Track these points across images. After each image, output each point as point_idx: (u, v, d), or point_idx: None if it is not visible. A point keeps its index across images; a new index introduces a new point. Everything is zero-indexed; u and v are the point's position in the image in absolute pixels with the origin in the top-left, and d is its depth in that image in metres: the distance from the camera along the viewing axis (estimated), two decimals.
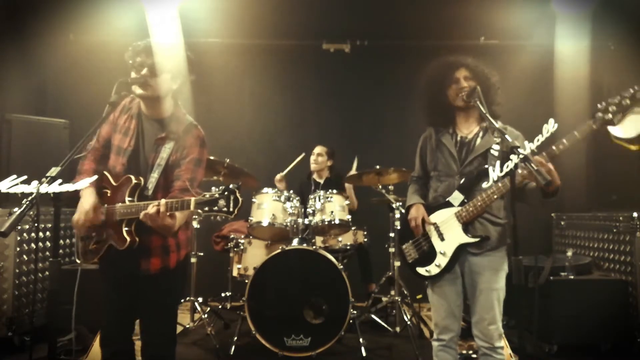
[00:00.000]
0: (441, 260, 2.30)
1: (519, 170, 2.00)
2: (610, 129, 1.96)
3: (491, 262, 2.29)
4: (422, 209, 2.38)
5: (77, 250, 2.19)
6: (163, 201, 1.87)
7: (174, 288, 2.27)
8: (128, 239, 2.00)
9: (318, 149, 4.85)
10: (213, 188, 1.83)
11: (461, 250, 2.29)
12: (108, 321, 2.16)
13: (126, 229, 2.02)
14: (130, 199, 2.04)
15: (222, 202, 1.77)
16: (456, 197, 2.31)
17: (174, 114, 2.20)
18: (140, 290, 2.12)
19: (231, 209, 1.77)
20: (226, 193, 1.77)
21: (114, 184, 2.12)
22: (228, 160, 3.88)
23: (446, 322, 2.35)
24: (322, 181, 4.84)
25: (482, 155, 2.32)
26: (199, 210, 1.80)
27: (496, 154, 2.26)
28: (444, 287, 2.35)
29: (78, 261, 2.15)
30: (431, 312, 2.45)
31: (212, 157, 3.71)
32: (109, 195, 2.11)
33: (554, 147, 2.01)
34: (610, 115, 1.94)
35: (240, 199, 1.79)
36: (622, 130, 1.95)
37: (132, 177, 2.07)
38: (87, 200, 2.05)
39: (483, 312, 2.27)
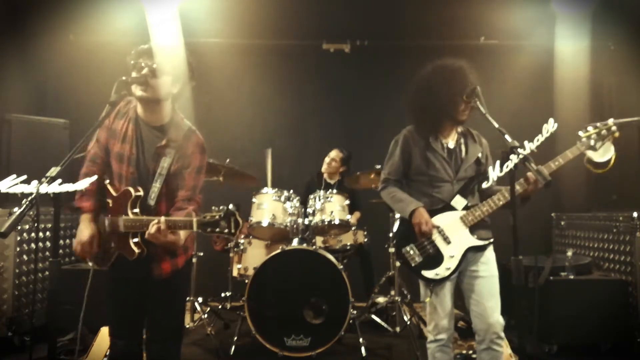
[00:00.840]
0: (451, 264, 2.34)
1: (517, 187, 2.16)
2: (589, 152, 2.32)
3: (489, 252, 2.41)
4: (425, 212, 2.37)
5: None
6: (163, 219, 1.90)
7: (183, 286, 2.35)
8: (137, 250, 2.02)
9: (333, 154, 4.80)
10: (213, 208, 1.89)
11: (468, 252, 2.36)
12: (116, 319, 2.17)
13: (134, 240, 2.02)
14: (134, 210, 2.04)
15: (223, 224, 1.86)
16: (458, 201, 2.37)
17: (172, 119, 2.17)
18: (150, 292, 2.13)
19: (232, 230, 1.86)
20: (227, 215, 1.85)
21: (114, 194, 2.10)
22: (228, 160, 3.88)
23: (445, 322, 2.38)
24: (333, 182, 4.82)
25: (475, 163, 2.44)
26: (200, 231, 1.86)
27: (484, 160, 2.46)
28: (445, 288, 2.38)
29: (90, 264, 2.15)
30: (428, 314, 2.45)
31: (211, 160, 3.70)
32: (110, 205, 2.09)
33: (551, 164, 2.27)
34: (593, 142, 2.29)
35: (240, 221, 1.88)
36: (596, 155, 2.31)
37: (131, 189, 2.05)
38: (84, 231, 2.06)
39: (486, 300, 2.33)
